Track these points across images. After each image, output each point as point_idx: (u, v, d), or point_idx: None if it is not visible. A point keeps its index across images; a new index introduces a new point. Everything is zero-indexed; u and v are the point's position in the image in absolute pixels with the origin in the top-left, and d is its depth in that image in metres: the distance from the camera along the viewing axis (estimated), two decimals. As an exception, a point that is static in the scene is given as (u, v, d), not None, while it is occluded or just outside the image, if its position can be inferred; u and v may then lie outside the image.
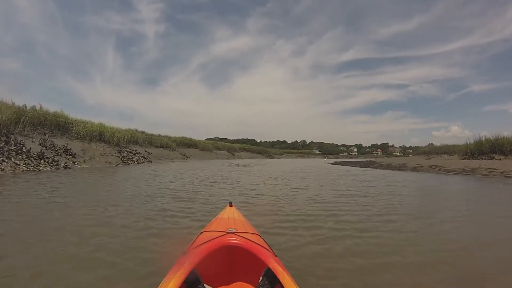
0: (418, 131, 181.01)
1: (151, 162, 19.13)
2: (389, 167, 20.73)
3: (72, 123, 16.35)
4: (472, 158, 20.94)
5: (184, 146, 33.76)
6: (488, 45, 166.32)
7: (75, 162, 12.58)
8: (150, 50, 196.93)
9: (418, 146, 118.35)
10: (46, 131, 14.99)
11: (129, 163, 15.80)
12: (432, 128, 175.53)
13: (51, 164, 11.32)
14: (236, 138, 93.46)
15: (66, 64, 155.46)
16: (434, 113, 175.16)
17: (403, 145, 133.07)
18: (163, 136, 31.41)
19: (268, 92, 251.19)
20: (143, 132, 28.01)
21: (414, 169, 18.36)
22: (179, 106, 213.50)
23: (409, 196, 7.16)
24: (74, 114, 19.08)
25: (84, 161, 13.14)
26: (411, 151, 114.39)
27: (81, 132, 15.93)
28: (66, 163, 11.89)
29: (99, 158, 14.30)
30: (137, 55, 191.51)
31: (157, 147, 26.84)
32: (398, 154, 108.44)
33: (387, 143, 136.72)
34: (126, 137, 20.86)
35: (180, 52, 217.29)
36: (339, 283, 2.25)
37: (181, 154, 29.64)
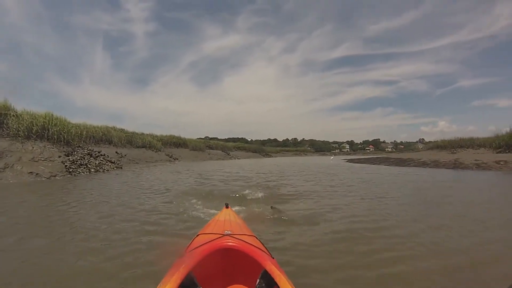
0: (407, 127, 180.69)
1: (121, 168, 13.53)
2: (437, 165, 16.23)
3: (6, 115, 10.96)
4: (509, 151, 18.06)
5: (172, 146, 28.86)
6: (476, 41, 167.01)
7: None
8: (139, 50, 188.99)
9: (409, 142, 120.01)
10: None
11: (78, 173, 10.17)
12: (420, 124, 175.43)
13: None
14: (226, 138, 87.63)
15: (54, 66, 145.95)
16: (423, 109, 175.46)
17: (394, 141, 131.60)
18: (146, 134, 26.38)
19: (258, 90, 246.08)
20: (122, 130, 22.80)
21: (478, 167, 14.24)
22: (169, 106, 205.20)
23: None
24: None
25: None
26: (402, 146, 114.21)
27: (15, 126, 10.52)
28: None
29: (23, 166, 8.74)
30: (127, 55, 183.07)
31: (138, 147, 21.87)
32: (390, 150, 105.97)
33: (379, 139, 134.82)
34: (86, 133, 15.79)
35: (170, 51, 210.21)
36: None
37: (167, 155, 24.61)
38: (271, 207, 4.53)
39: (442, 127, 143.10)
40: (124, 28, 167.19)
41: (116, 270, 2.45)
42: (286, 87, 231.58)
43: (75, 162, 10.69)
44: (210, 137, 72.19)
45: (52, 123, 11.61)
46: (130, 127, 26.38)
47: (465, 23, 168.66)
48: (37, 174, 8.67)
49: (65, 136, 11.98)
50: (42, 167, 9.07)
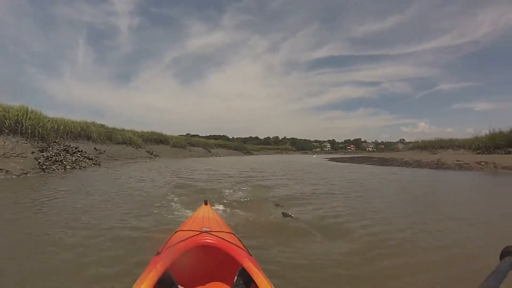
0: (389, 127, 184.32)
1: (99, 165, 13.00)
2: (419, 165, 16.67)
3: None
4: (488, 153, 18.73)
5: (153, 143, 28.18)
6: (459, 46, 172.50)
7: None
8: (123, 44, 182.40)
9: (389, 142, 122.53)
10: None
11: (53, 170, 9.55)
12: (401, 124, 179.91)
13: None
14: (208, 135, 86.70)
15: (34, 58, 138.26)
16: (404, 110, 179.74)
17: (375, 141, 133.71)
18: (127, 130, 25.61)
19: (241, 88, 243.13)
20: (102, 125, 22.10)
21: (460, 167, 14.69)
22: (152, 102, 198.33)
23: None
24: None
25: None
26: (383, 146, 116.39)
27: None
28: None
29: (-9, 162, 8.18)
30: (110, 49, 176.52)
31: (118, 143, 21.23)
32: (370, 149, 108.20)
33: (360, 138, 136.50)
34: (64, 128, 15.14)
35: (154, 47, 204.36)
36: None
37: (148, 152, 24.01)
38: (283, 214, 4.15)
39: (422, 128, 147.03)
40: (108, 22, 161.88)
41: (88, 268, 2.33)
42: (270, 86, 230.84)
43: (50, 158, 10.10)
44: (192, 134, 71.35)
45: (26, 116, 10.96)
46: (112, 123, 25.49)
47: (449, 28, 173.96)
48: (7, 171, 8.08)
49: (40, 131, 11.37)
50: (13, 164, 8.44)
